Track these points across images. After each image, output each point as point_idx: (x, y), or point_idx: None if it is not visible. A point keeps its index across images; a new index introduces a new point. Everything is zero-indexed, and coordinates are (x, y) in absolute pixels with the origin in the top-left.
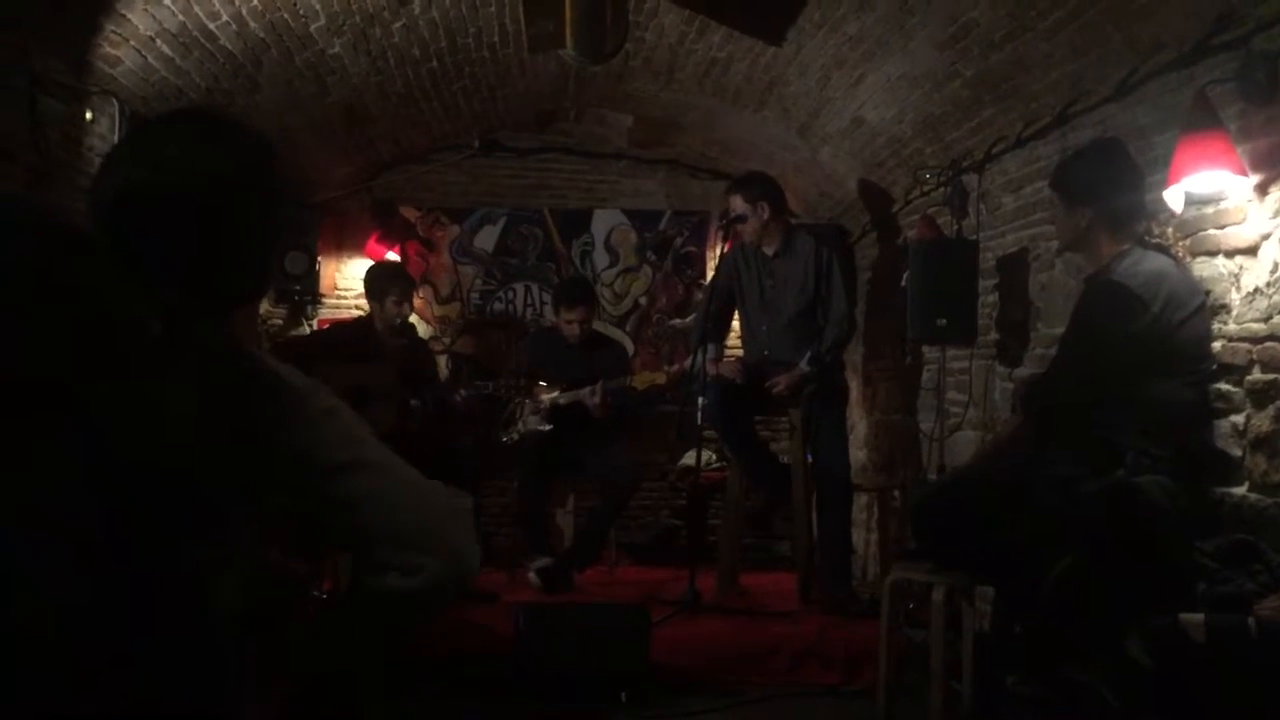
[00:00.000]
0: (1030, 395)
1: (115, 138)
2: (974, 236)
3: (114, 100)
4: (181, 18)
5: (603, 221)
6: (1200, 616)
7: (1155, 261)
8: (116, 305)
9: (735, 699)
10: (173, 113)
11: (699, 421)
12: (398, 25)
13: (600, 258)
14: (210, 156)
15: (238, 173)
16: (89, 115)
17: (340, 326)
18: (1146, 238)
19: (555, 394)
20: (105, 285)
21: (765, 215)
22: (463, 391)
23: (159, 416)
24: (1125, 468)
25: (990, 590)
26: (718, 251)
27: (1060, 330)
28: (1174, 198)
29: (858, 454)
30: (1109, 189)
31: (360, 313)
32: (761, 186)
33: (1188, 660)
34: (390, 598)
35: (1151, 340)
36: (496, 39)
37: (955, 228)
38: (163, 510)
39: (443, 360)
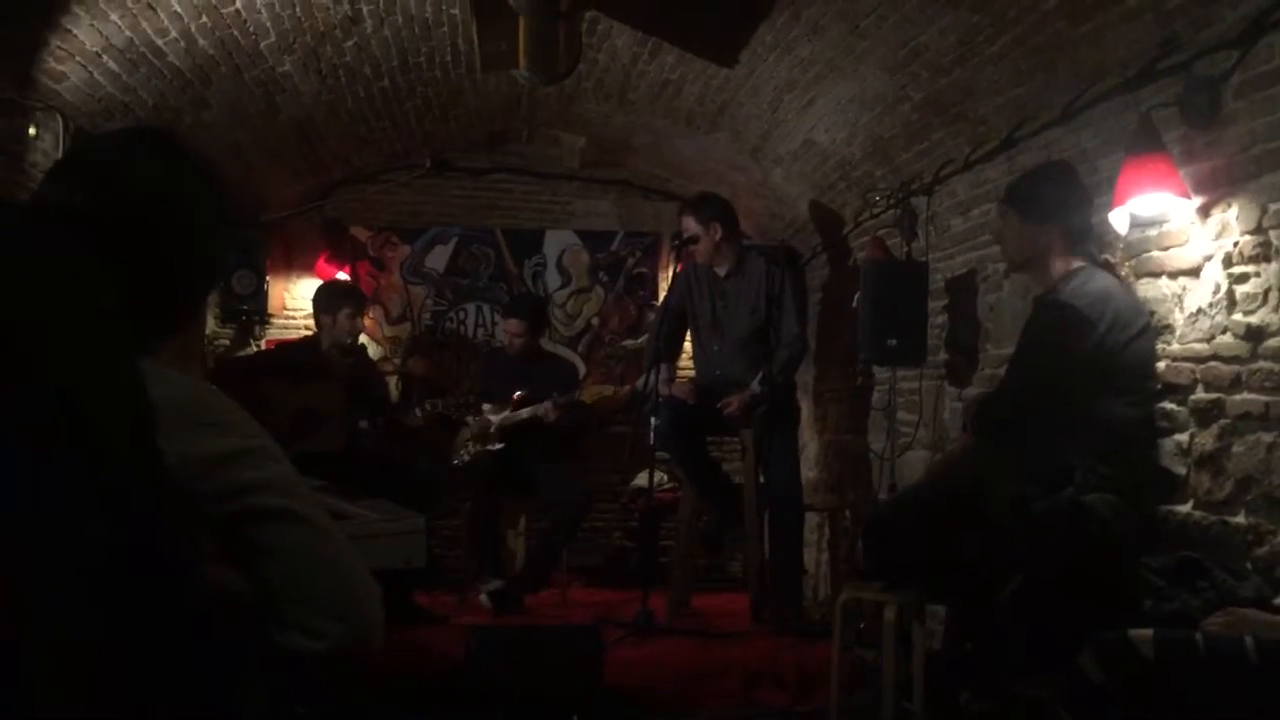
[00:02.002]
0: (980, 414)
1: (59, 154)
2: (923, 258)
3: (58, 116)
4: (129, 33)
5: (555, 242)
6: (1150, 632)
7: (1102, 281)
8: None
9: None
10: (119, 131)
11: (651, 442)
12: (349, 44)
13: (552, 278)
14: (153, 180)
15: (180, 198)
16: (33, 131)
17: (286, 346)
18: (1097, 258)
19: (506, 413)
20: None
21: (718, 236)
22: (418, 411)
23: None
24: (1074, 486)
25: (940, 610)
26: (669, 272)
27: (1009, 350)
28: (1119, 220)
29: (808, 474)
30: (1069, 209)
31: (309, 333)
32: (714, 207)
33: (1138, 675)
34: (289, 655)
35: (1098, 360)
36: (449, 59)
37: (905, 249)
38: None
39: (393, 381)
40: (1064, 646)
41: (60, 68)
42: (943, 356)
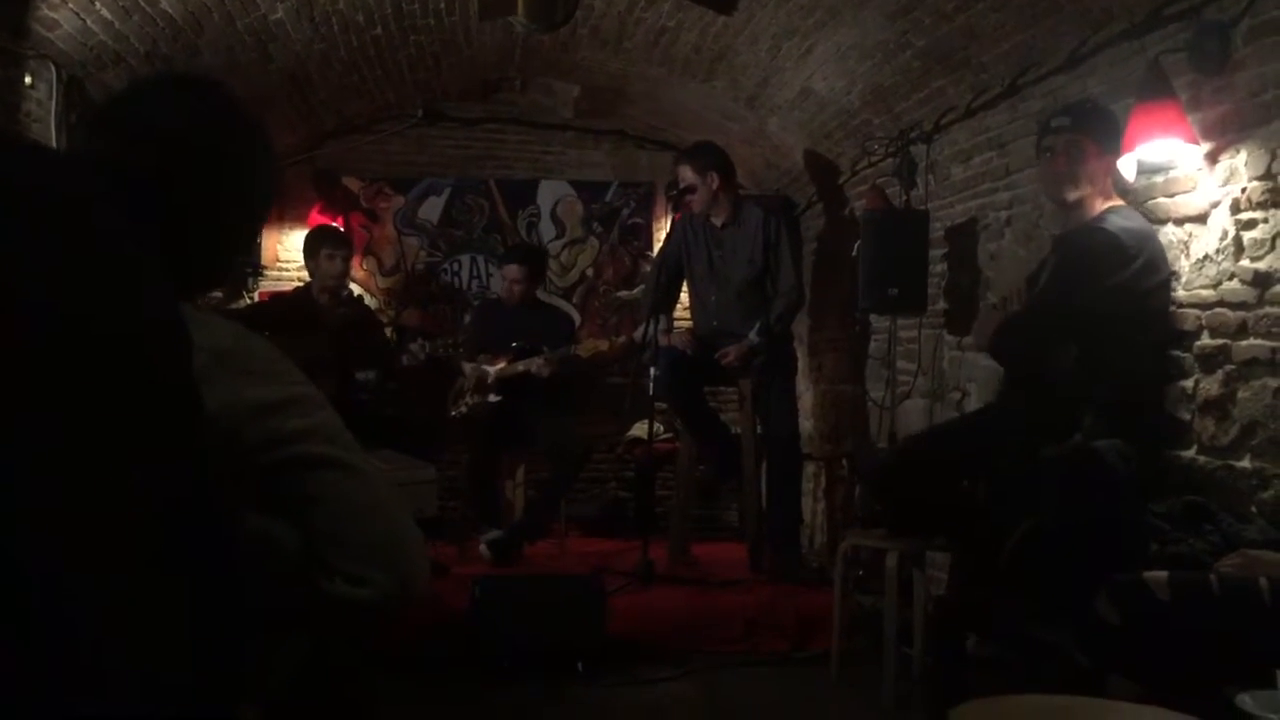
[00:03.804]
0: (1001, 333)
1: (53, 103)
2: (923, 207)
3: (51, 65)
4: None
5: (549, 192)
6: (1164, 574)
7: (1142, 221)
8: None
9: (690, 666)
10: (156, 79)
11: (650, 393)
12: None
13: (547, 229)
14: (192, 130)
15: (220, 147)
16: (28, 80)
17: (279, 298)
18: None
19: (502, 365)
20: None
21: (715, 185)
22: (405, 358)
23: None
24: (1082, 432)
25: (939, 557)
26: (664, 223)
27: None
28: (1126, 166)
29: (804, 424)
30: (1120, 145)
31: (300, 284)
32: (711, 156)
33: (1153, 617)
34: (334, 602)
35: (1127, 296)
36: (442, 6)
37: (903, 198)
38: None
39: (388, 333)
40: (1072, 591)
41: (54, 15)
42: (942, 305)
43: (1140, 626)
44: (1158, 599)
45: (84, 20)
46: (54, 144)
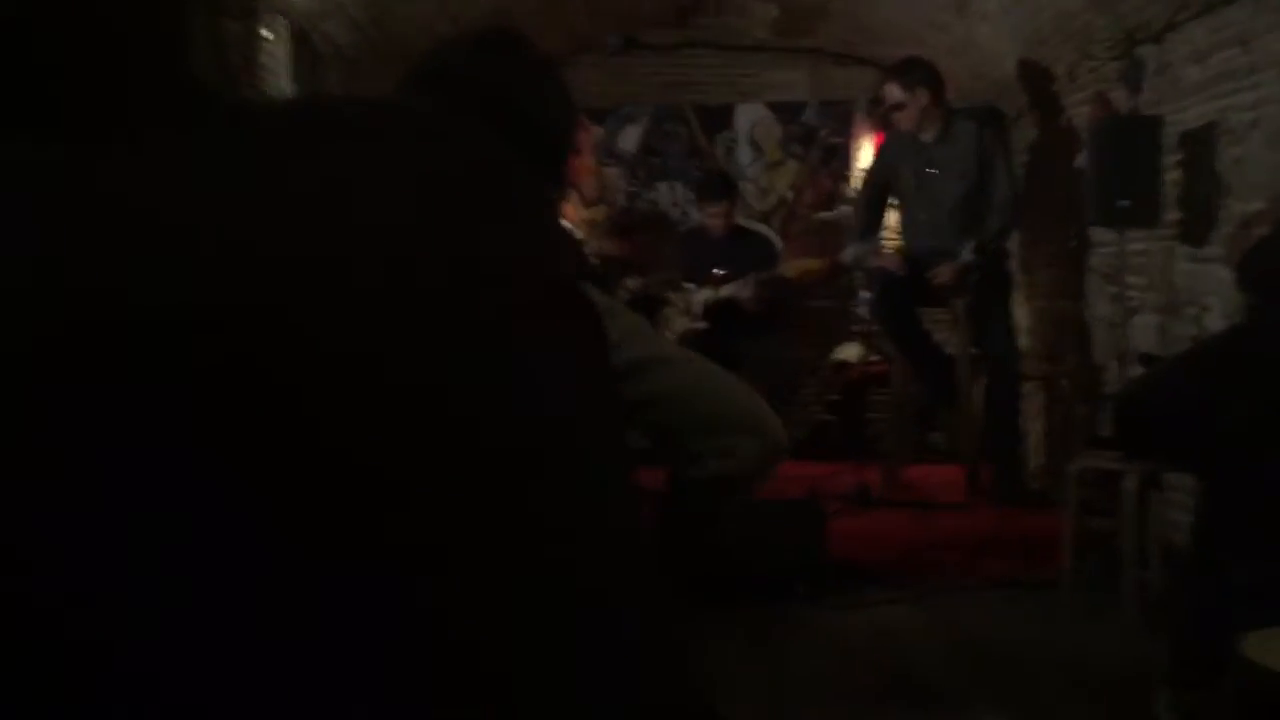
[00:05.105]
0: (1249, 256)
1: (284, 54)
2: (1154, 112)
3: (280, 16)
4: None
5: (746, 116)
6: None
7: None
8: None
9: (915, 590)
10: (467, 37)
11: (865, 316)
12: None
13: (744, 153)
14: (503, 80)
15: (534, 96)
16: (266, 34)
17: None
18: None
19: (708, 291)
20: None
21: (924, 102)
22: (631, 283)
23: None
24: None
25: (1174, 478)
26: (864, 142)
27: (1258, 206)
28: None
29: (1020, 341)
30: None
31: None
32: (920, 71)
33: None
34: (713, 482)
35: None
36: None
37: (1131, 104)
38: None
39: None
40: None
41: None
42: (1175, 215)
43: None
44: None
45: None
46: (286, 92)
